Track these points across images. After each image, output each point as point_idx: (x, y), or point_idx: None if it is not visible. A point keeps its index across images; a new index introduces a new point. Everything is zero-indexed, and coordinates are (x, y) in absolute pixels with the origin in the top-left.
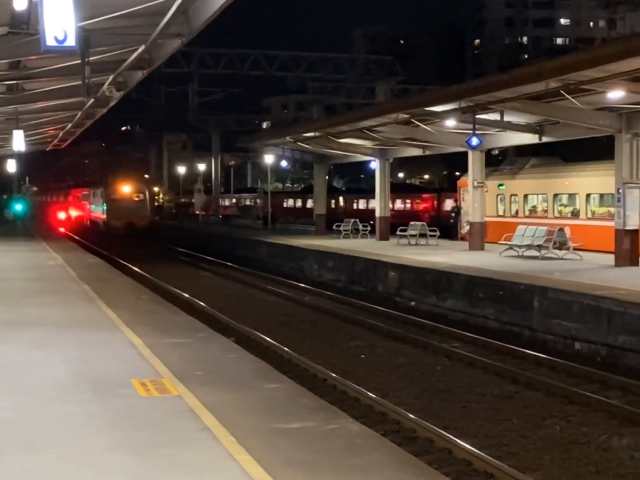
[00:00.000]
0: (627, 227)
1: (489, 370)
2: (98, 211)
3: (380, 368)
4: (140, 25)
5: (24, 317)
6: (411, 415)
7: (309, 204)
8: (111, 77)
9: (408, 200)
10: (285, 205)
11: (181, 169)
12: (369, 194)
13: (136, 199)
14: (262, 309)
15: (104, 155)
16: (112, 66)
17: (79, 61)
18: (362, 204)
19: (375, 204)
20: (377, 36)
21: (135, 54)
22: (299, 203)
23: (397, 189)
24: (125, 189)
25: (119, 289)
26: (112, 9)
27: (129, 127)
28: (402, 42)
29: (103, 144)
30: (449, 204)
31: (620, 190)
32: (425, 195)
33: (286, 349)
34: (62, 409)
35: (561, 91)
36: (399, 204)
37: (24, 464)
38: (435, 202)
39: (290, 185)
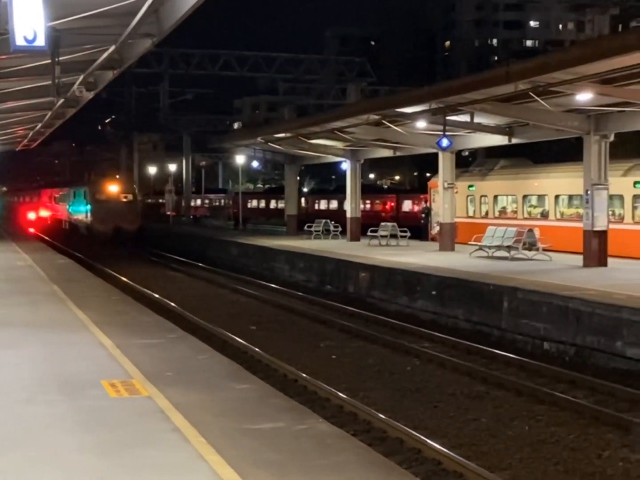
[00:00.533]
0: (596, 228)
1: (458, 370)
2: (80, 214)
3: (351, 368)
4: (111, 25)
5: None
6: (381, 415)
7: (274, 204)
8: (81, 77)
9: (368, 202)
10: (249, 205)
11: (152, 170)
12: (331, 194)
13: (124, 200)
14: (233, 309)
15: (75, 155)
16: (82, 66)
17: (49, 61)
18: (323, 205)
19: (333, 204)
20: (348, 37)
21: (105, 54)
22: (262, 204)
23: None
24: (113, 188)
25: (89, 290)
26: (82, 9)
27: (99, 127)
28: (373, 43)
29: (73, 144)
30: (407, 205)
31: (589, 192)
32: (384, 197)
33: (257, 349)
34: (31, 410)
35: (530, 93)
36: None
37: None
38: (394, 204)
39: (262, 186)
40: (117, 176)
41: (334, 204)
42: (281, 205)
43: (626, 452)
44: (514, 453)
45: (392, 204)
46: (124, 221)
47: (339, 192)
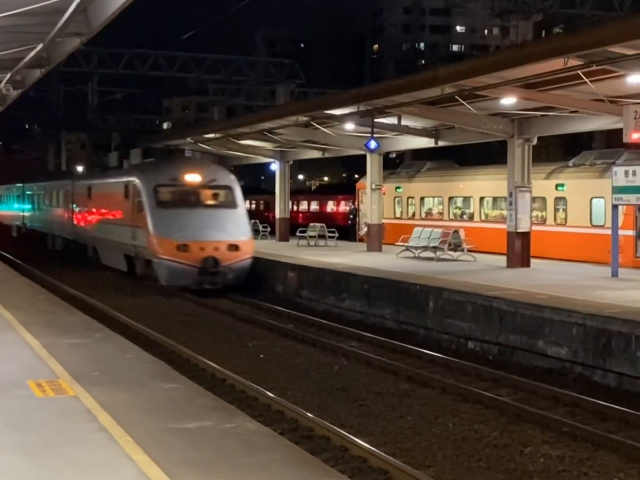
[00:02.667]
0: (519, 230)
1: (385, 369)
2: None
3: (279, 367)
4: (39, 24)
5: None
6: (308, 414)
7: None
8: (8, 75)
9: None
10: None
11: (80, 169)
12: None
13: (217, 202)
14: (160, 308)
15: (1, 154)
16: (9, 64)
17: None
18: (253, 205)
19: (266, 205)
20: (278, 40)
21: (33, 53)
22: None
23: (261, 192)
24: (193, 178)
25: (15, 290)
26: (9, 7)
27: (27, 126)
28: (302, 45)
29: (0, 143)
30: (331, 206)
31: (512, 194)
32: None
33: (185, 348)
34: None
35: (456, 97)
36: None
37: None
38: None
39: None
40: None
41: (262, 205)
42: None
43: (547, 449)
44: (438, 450)
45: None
46: (225, 247)
47: (268, 192)
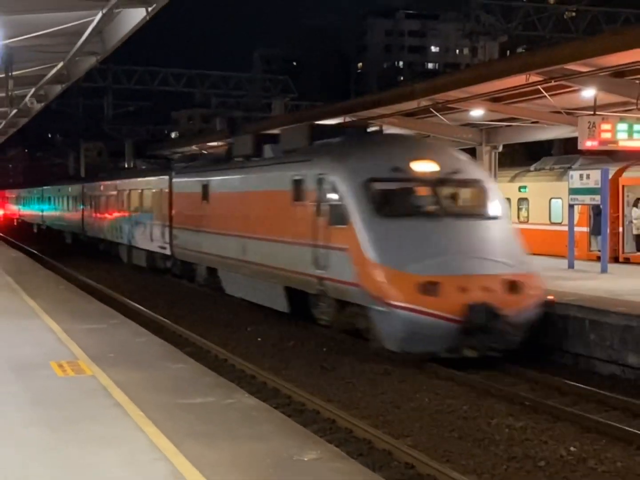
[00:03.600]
0: None
1: (368, 351)
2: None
3: (274, 349)
4: (60, 44)
5: None
6: (299, 390)
7: None
8: (32, 90)
9: None
10: None
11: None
12: None
13: (470, 208)
14: (171, 296)
15: (27, 160)
16: (33, 80)
17: (3, 75)
18: None
19: None
20: (273, 58)
21: (54, 70)
22: None
23: None
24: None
25: (39, 281)
26: (34, 29)
27: (49, 135)
28: (294, 63)
29: (26, 150)
30: None
31: None
32: None
33: (191, 333)
34: None
35: (431, 109)
36: None
37: None
38: None
39: None
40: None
41: None
42: None
43: (511, 420)
44: (415, 422)
45: None
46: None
47: None
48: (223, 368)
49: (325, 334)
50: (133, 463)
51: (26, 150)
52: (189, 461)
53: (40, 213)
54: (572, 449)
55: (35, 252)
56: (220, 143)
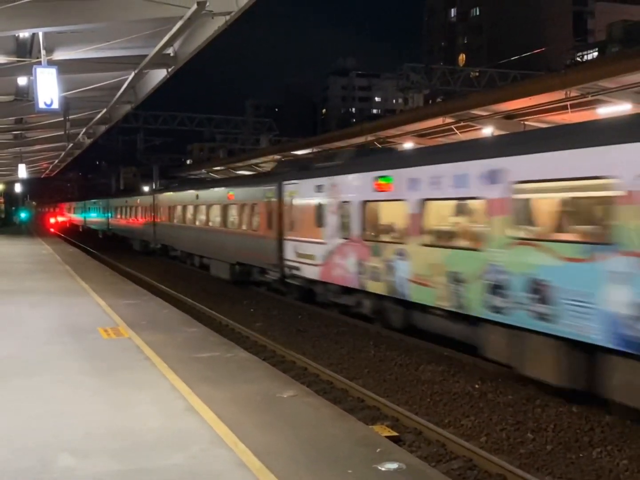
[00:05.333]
0: None
1: (330, 317)
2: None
3: (262, 317)
4: (104, 95)
5: (24, 287)
6: (281, 346)
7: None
8: (84, 129)
9: None
10: None
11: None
12: None
13: None
14: (187, 280)
15: (80, 181)
16: (84, 122)
17: (62, 118)
18: None
19: None
20: (261, 105)
21: (100, 114)
22: None
23: None
24: None
25: (90, 269)
26: (84, 85)
27: (97, 162)
28: (277, 109)
29: (80, 173)
30: None
31: None
32: None
33: (202, 306)
34: (50, 348)
35: (375, 142)
36: None
37: (24, 384)
38: None
39: None
40: None
41: None
42: None
43: (433, 366)
44: (364, 368)
45: None
46: None
47: None
48: (225, 331)
49: (300, 305)
50: (159, 401)
51: (80, 174)
52: (200, 399)
53: (107, 220)
54: (476, 386)
55: (90, 249)
56: (221, 167)
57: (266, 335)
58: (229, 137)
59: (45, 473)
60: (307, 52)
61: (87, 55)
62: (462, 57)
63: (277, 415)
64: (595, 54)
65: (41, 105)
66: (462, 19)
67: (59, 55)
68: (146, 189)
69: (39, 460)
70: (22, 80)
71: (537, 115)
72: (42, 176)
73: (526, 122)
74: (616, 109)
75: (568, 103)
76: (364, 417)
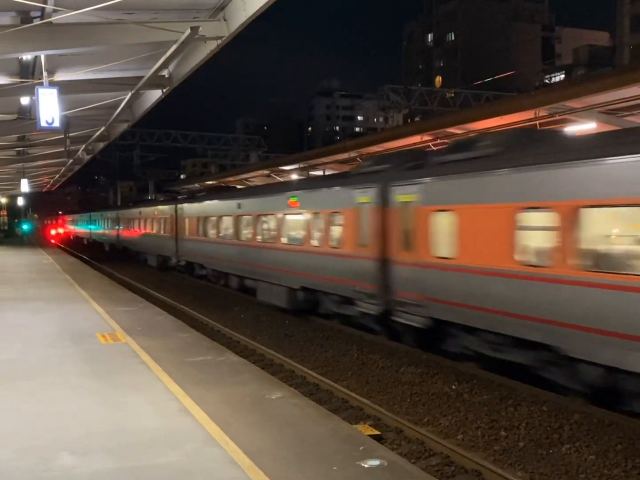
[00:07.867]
0: None
1: (317, 322)
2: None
3: (251, 323)
4: (102, 114)
5: (27, 295)
6: (270, 350)
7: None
8: (83, 146)
9: None
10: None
11: None
12: None
13: None
14: (180, 288)
15: (80, 195)
16: (83, 139)
17: (62, 136)
18: None
19: None
20: (250, 124)
21: (98, 132)
22: None
23: None
24: None
25: (88, 277)
26: (83, 104)
27: (95, 177)
28: (265, 127)
29: (79, 187)
30: None
31: None
32: None
33: (194, 312)
34: (51, 352)
35: (358, 158)
36: None
37: (25, 386)
38: None
39: None
40: None
41: None
42: None
43: (412, 369)
44: (348, 371)
45: None
46: None
47: None
48: (217, 336)
49: (287, 312)
50: (154, 402)
51: (79, 188)
52: (193, 401)
53: (116, 232)
54: (453, 387)
55: (87, 258)
56: (213, 182)
57: (255, 340)
58: (220, 153)
59: (46, 472)
60: (294, 74)
61: (87, 76)
62: (438, 79)
63: (265, 415)
64: (563, 76)
65: (43, 124)
66: (439, 44)
67: (60, 76)
68: (159, 198)
69: (40, 459)
70: (24, 100)
71: None
72: (43, 190)
73: None
74: (582, 127)
75: (537, 122)
76: (348, 416)
